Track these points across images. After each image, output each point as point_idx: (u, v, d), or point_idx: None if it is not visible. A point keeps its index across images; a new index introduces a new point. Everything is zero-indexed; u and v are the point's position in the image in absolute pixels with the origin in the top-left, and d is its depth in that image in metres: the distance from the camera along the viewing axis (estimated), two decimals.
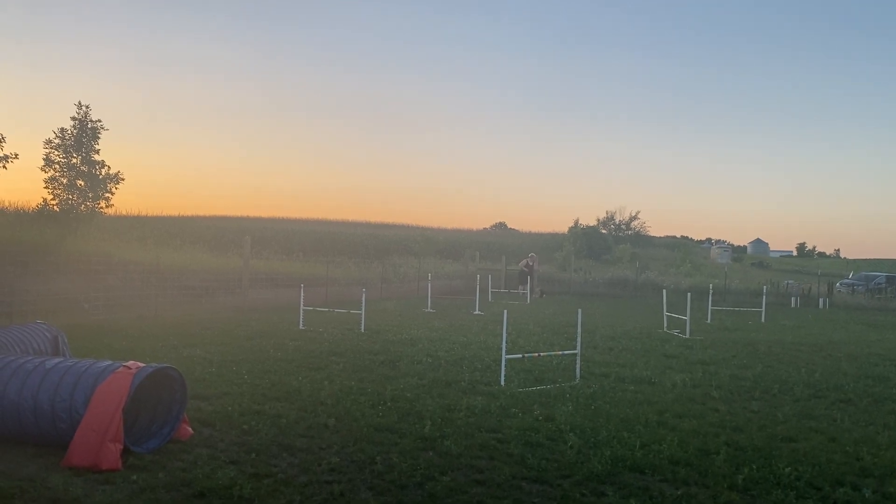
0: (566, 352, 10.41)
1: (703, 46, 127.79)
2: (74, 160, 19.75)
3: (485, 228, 77.58)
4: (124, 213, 33.93)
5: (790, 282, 37.89)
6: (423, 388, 8.38)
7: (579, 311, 10.37)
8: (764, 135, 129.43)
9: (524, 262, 29.44)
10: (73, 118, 19.78)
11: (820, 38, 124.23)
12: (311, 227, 46.16)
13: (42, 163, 19.60)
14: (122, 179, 20.44)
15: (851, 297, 33.26)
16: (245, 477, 5.02)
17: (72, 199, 19.84)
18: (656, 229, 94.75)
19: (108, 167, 20.17)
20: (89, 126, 19.84)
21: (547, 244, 54.85)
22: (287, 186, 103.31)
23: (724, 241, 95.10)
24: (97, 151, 20.00)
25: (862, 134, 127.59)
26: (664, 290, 19.32)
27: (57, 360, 5.85)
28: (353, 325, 14.84)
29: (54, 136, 19.62)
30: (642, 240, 69.49)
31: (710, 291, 21.38)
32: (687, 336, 14.91)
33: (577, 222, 57.77)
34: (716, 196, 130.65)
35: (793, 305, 29.24)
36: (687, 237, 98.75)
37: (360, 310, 14.57)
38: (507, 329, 9.35)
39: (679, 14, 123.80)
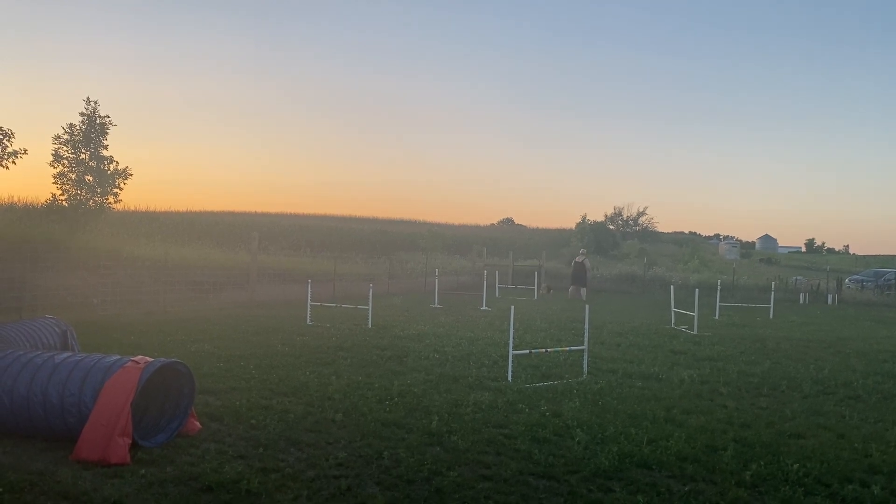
0: (573, 347, 10.38)
1: (712, 42, 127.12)
2: (83, 156, 19.84)
3: (492, 224, 77.68)
4: (133, 208, 34.11)
5: (799, 278, 37.75)
6: (431, 384, 8.39)
7: (587, 306, 10.35)
8: (773, 130, 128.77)
9: (580, 258, 26.54)
10: (82, 114, 19.87)
11: (829, 33, 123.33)
12: (318, 223, 46.28)
13: (51, 158, 19.71)
14: (131, 175, 20.54)
15: (860, 294, 33.09)
16: (253, 471, 5.03)
17: (80, 195, 19.93)
18: (664, 225, 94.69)
19: (117, 162, 20.28)
20: (98, 121, 19.93)
21: (554, 240, 54.81)
22: (295, 182, 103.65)
23: (732, 237, 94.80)
24: (106, 147, 20.10)
25: (872, 129, 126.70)
26: (672, 286, 19.28)
27: (66, 354, 5.87)
28: (360, 320, 14.86)
29: (63, 131, 19.72)
30: (650, 235, 69.40)
31: (719, 287, 21.32)
32: (695, 332, 14.85)
33: (584, 218, 57.80)
34: (724, 191, 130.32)
35: (801, 302, 29.10)
36: (695, 233, 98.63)
37: (368, 305, 14.58)
38: (514, 325, 9.35)
39: (688, 9, 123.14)
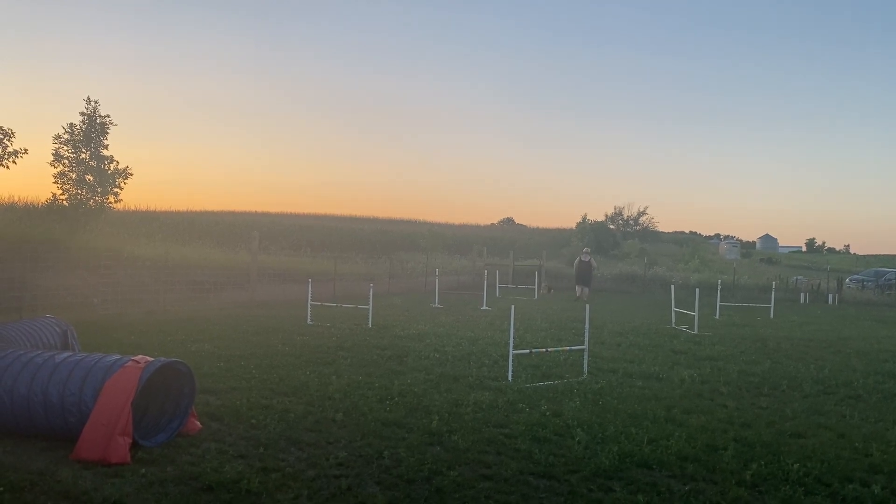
0: (574, 347, 10.38)
1: (712, 42, 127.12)
2: (83, 155, 19.85)
3: (492, 224, 77.65)
4: (133, 208, 34.10)
5: (799, 278, 37.73)
6: (431, 384, 8.39)
7: (587, 306, 10.35)
8: (773, 130, 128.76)
9: (586, 258, 25.59)
10: (82, 113, 19.88)
11: (829, 33, 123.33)
12: (319, 223, 46.27)
13: (51, 158, 19.72)
14: (131, 174, 20.55)
15: (861, 294, 33.08)
16: (253, 471, 5.03)
17: (81, 195, 19.94)
18: (665, 225, 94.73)
19: (117, 162, 20.29)
20: (98, 121, 19.93)
21: (555, 240, 54.79)
22: (295, 182, 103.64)
23: (732, 237, 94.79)
24: (106, 146, 20.11)
25: (872, 129, 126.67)
26: (672, 286, 19.27)
27: (66, 354, 5.87)
28: (360, 320, 14.86)
29: (63, 131, 19.73)
30: (651, 235, 69.36)
31: (719, 287, 21.32)
32: (695, 332, 14.85)
33: (585, 218, 57.69)
34: (725, 191, 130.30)
35: (802, 301, 29.10)
36: (696, 233, 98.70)
37: (368, 305, 14.58)
38: (514, 324, 9.35)
39: (688, 9, 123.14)
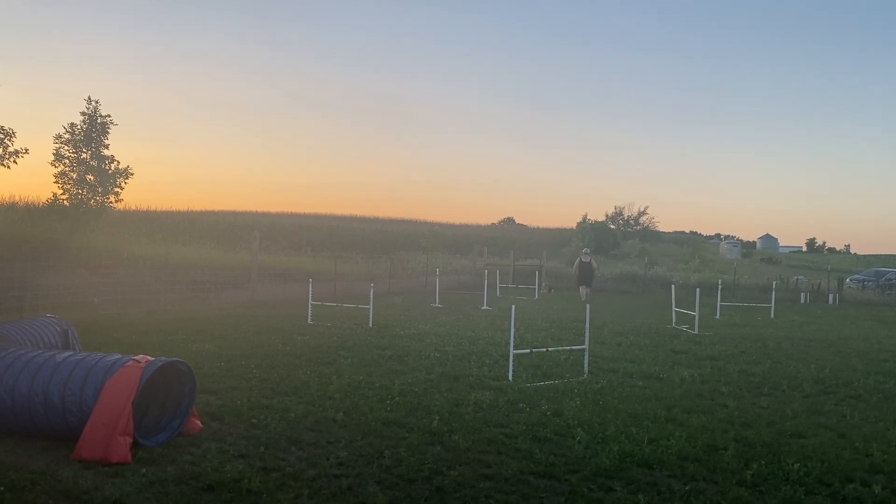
0: (574, 347, 10.38)
1: (712, 42, 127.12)
2: (84, 155, 19.86)
3: (493, 224, 77.58)
4: (134, 207, 34.09)
5: (800, 277, 37.69)
6: (431, 383, 8.39)
7: (587, 306, 10.34)
8: (773, 129, 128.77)
9: (587, 258, 25.24)
10: (83, 113, 19.89)
11: (829, 33, 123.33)
12: (319, 223, 46.28)
13: (52, 158, 19.73)
14: (132, 174, 20.57)
15: (861, 293, 33.06)
16: (253, 470, 5.03)
17: (81, 194, 19.95)
18: (665, 224, 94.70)
19: (118, 162, 20.31)
20: (99, 121, 19.94)
21: (555, 239, 54.74)
22: (296, 182, 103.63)
23: (733, 237, 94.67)
24: (107, 146, 20.12)
25: (872, 129, 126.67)
26: (673, 286, 19.25)
27: (67, 353, 5.87)
28: (361, 319, 14.86)
29: (64, 131, 19.74)
30: (651, 235, 69.31)
31: (720, 287, 21.31)
32: (696, 332, 14.84)
33: (585, 217, 57.62)
34: (725, 191, 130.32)
35: (802, 301, 29.07)
36: (696, 232, 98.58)
37: (369, 304, 14.58)
38: (514, 324, 9.35)
39: (688, 9, 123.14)
